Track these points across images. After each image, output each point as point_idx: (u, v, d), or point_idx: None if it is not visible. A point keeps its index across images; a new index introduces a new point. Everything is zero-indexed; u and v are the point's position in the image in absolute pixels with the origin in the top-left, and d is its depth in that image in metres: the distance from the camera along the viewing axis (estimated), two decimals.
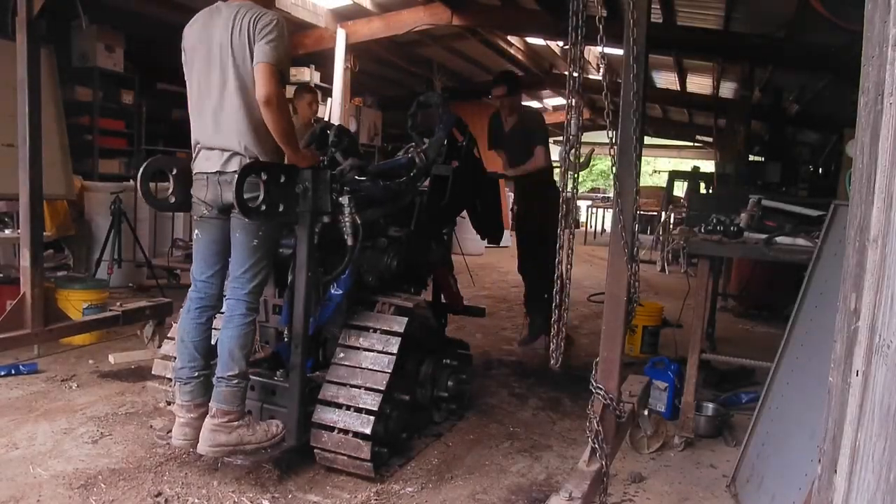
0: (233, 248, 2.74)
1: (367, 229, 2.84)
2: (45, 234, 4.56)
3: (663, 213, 10.57)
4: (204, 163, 2.73)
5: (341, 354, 2.85)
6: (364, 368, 2.77)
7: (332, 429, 2.71)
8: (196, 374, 2.72)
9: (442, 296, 4.01)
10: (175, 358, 3.13)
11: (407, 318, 2.90)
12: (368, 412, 2.67)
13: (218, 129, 2.66)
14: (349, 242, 2.76)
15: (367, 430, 2.64)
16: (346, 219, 2.73)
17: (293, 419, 2.71)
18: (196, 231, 2.84)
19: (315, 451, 2.77)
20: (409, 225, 3.33)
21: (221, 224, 2.75)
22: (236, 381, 2.64)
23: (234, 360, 2.64)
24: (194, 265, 2.85)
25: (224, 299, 2.77)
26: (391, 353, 2.78)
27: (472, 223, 4.17)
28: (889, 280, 0.99)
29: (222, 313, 2.76)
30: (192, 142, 2.78)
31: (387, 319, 2.91)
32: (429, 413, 3.35)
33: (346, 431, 2.68)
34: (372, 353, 2.80)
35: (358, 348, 2.84)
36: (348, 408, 2.70)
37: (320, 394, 2.78)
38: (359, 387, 2.73)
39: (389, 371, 2.74)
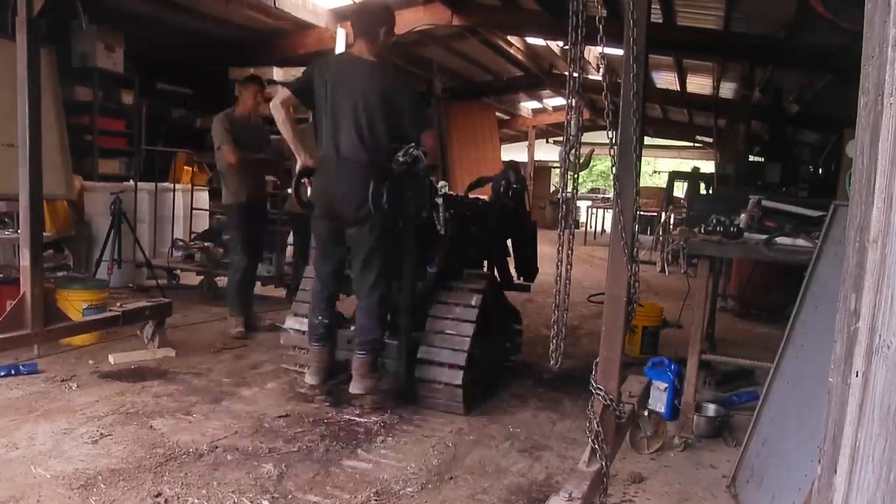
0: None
1: (454, 225, 3.65)
2: (45, 234, 4.56)
3: (663, 214, 10.56)
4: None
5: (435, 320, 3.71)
6: (452, 335, 3.64)
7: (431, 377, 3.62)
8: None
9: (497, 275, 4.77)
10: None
11: (481, 294, 3.74)
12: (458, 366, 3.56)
13: None
14: (442, 233, 3.58)
15: (458, 382, 3.55)
16: (441, 215, 3.53)
17: (401, 368, 3.67)
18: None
19: (419, 394, 3.67)
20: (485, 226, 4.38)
21: None
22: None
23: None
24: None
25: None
26: (471, 321, 3.65)
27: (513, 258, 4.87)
28: (889, 280, 0.99)
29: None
30: None
31: (466, 295, 3.76)
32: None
33: (438, 382, 3.60)
34: (453, 322, 3.66)
35: (445, 318, 3.71)
36: (441, 364, 3.59)
37: (419, 353, 3.63)
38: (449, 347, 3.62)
39: (469, 335, 3.61)
